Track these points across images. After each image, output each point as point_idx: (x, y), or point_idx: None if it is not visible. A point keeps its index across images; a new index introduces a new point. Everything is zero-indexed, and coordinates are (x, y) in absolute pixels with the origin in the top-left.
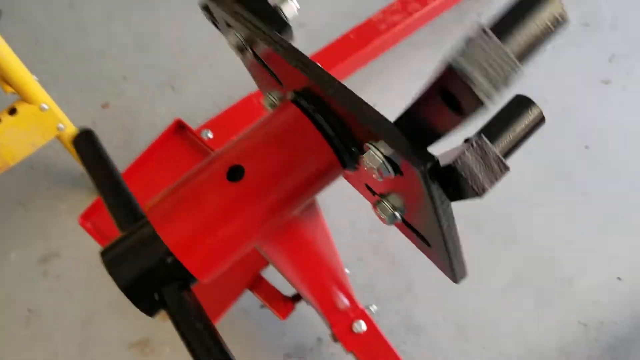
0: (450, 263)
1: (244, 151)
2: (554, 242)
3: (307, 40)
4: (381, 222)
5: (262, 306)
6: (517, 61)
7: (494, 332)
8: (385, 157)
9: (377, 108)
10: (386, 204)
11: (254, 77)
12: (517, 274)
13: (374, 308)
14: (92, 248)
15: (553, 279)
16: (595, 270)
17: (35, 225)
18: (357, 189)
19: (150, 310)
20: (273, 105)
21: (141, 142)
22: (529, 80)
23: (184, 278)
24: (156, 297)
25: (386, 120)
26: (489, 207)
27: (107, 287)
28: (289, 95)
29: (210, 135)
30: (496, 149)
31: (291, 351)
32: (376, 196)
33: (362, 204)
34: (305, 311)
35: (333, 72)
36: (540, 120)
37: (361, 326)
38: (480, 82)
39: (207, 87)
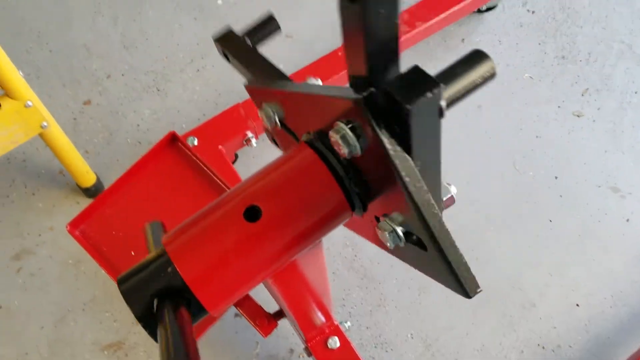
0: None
1: (260, 192)
2: (519, 266)
3: (290, 51)
4: (354, 236)
5: (236, 315)
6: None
7: (458, 351)
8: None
9: None
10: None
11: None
12: (483, 296)
13: (347, 324)
14: (68, 248)
15: (516, 302)
16: (556, 296)
17: (9, 221)
18: (358, 231)
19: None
20: (269, 118)
21: (122, 143)
22: (504, 107)
23: (196, 310)
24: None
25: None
26: (458, 228)
27: (82, 289)
28: (304, 137)
29: (195, 142)
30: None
31: None
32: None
33: None
34: (280, 322)
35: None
36: (491, 75)
37: (335, 342)
38: None
39: (193, 92)
